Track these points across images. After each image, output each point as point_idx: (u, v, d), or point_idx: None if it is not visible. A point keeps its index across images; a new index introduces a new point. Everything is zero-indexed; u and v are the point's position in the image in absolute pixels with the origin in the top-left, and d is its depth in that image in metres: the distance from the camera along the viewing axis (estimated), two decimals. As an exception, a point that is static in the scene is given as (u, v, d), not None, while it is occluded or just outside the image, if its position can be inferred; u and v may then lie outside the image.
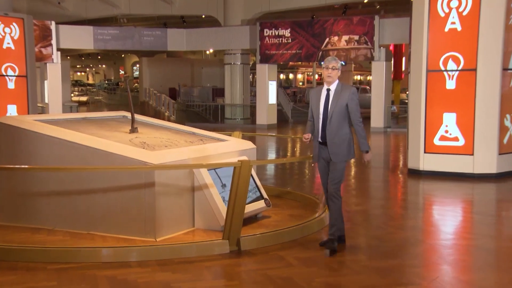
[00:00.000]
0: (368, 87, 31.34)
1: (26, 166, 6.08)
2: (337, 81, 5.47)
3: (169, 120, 27.61)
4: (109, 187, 5.86)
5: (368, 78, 40.20)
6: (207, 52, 42.94)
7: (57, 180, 6.11)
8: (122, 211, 5.81)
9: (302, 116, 26.37)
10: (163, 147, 6.40)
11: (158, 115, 29.87)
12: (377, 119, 21.38)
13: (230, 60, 24.68)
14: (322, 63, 5.65)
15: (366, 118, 24.05)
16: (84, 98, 45.20)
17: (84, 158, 5.95)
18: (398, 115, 25.92)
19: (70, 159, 6.02)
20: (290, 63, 24.05)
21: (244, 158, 6.63)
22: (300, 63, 35.78)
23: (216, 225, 5.99)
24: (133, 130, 6.95)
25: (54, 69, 21.84)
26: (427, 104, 10.23)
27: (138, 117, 7.80)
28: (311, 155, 5.72)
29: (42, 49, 21.26)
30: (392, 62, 26.56)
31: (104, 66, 70.51)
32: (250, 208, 6.28)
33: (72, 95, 43.30)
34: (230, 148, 6.95)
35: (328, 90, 5.46)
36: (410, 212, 7.55)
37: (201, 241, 5.56)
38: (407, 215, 7.36)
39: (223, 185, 6.26)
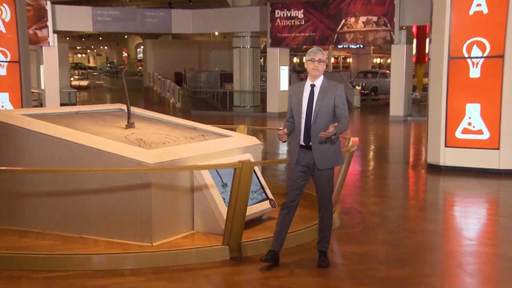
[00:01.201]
0: (388, 72, 31.09)
1: (13, 168, 6.06)
2: (322, 76, 5.08)
3: (174, 107, 27.65)
4: (103, 188, 5.85)
5: (389, 61, 39.90)
6: (216, 33, 42.79)
7: (47, 180, 6.10)
8: (117, 213, 5.80)
9: (316, 103, 26.20)
10: (160, 144, 6.37)
11: (162, 101, 29.94)
12: (397, 106, 21.18)
13: (239, 43, 24.53)
14: (305, 56, 5.18)
15: (385, 105, 23.93)
16: (84, 83, 45.35)
17: (76, 157, 5.94)
18: (421, 102, 25.71)
19: (61, 157, 6.01)
20: (304, 46, 23.84)
21: (247, 156, 6.62)
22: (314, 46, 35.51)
23: (217, 228, 5.96)
24: (130, 125, 6.93)
25: (51, 52, 21.90)
26: (449, 94, 10.09)
27: (135, 110, 7.77)
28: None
29: (37, 31, 21.25)
30: (415, 44, 26.32)
31: (106, 47, 70.63)
32: (253, 210, 6.24)
33: (72, 79, 43.46)
34: (233, 145, 6.90)
35: (313, 86, 5.07)
36: (427, 213, 7.48)
37: (199, 247, 5.54)
38: (424, 217, 7.29)
39: (224, 185, 6.23)
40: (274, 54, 23.06)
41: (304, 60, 5.19)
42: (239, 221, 5.39)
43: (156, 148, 6.14)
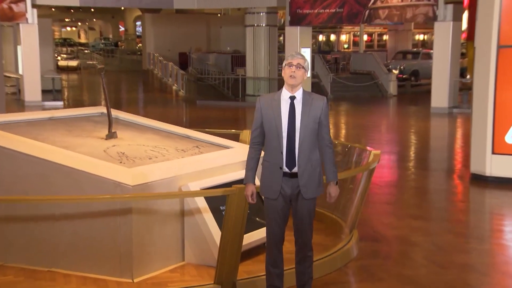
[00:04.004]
0: (432, 51, 30.80)
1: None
2: (301, 88, 4.94)
3: (177, 95, 27.72)
4: (75, 213, 5.88)
5: (433, 38, 39.57)
6: (228, 5, 42.74)
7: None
8: (91, 242, 5.82)
9: (345, 90, 26.13)
10: (146, 159, 6.38)
11: (164, 88, 30.08)
12: (440, 96, 20.90)
13: (252, 21, 24.40)
14: (284, 62, 5.02)
15: (427, 93, 23.60)
16: (73, 63, 45.53)
17: (44, 176, 5.97)
18: (470, 89, 25.35)
19: (26, 176, 6.05)
20: (329, 25, 23.75)
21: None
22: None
23: (210, 259, 5.98)
24: (111, 135, 6.95)
25: (29, 31, 21.86)
26: (497, 90, 10.00)
27: (119, 114, 7.80)
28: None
29: (13, 5, 21.20)
30: (465, 17, 25.93)
31: (100, 20, 70.86)
32: (254, 237, 6.22)
33: (59, 58, 43.73)
34: (233, 158, 6.88)
35: (293, 98, 4.90)
36: (466, 242, 7.36)
37: (186, 287, 5.54)
38: (461, 245, 7.19)
39: (219, 208, 6.22)
40: (294, 34, 22.96)
41: (283, 64, 5.00)
42: (233, 255, 5.40)
43: (140, 165, 6.14)
